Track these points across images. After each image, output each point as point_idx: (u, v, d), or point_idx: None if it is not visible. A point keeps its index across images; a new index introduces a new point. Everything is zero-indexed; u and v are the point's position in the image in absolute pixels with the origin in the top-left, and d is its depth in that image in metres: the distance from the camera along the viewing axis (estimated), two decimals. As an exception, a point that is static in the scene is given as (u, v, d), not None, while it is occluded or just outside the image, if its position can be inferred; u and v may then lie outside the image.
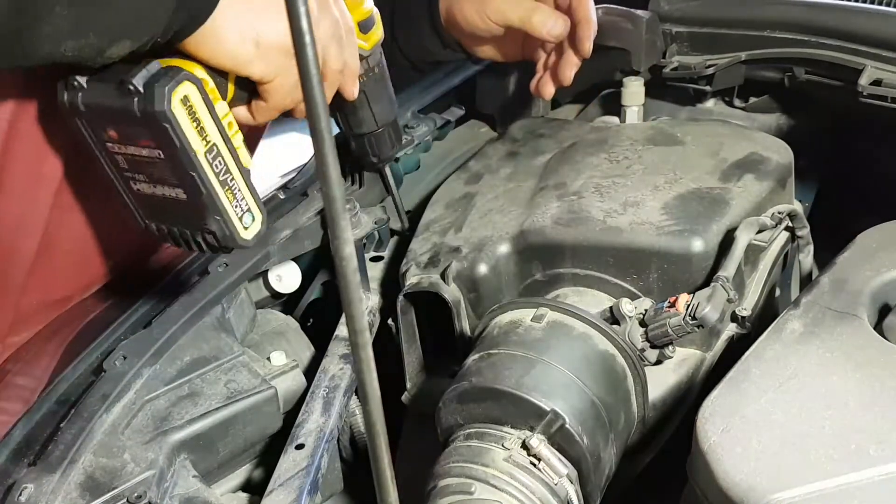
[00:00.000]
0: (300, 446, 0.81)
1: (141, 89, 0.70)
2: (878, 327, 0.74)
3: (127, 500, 0.72)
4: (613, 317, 0.85)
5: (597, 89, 1.31)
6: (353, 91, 0.89)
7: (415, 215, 1.09)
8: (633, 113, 1.16)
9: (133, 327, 0.88)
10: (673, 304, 0.82)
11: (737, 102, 1.25)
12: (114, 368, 0.82)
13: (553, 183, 1.00)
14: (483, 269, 0.92)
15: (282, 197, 1.04)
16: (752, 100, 1.24)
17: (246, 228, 0.78)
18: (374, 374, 0.45)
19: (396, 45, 1.26)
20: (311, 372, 0.92)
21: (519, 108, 1.29)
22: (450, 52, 1.24)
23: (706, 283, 0.85)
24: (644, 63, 1.18)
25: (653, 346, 0.84)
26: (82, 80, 0.73)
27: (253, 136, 0.99)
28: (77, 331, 0.92)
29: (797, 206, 1.00)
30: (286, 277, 1.02)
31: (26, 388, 0.87)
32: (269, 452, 0.86)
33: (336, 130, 1.15)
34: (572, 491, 0.73)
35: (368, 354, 0.44)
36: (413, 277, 0.94)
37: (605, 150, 1.05)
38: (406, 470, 0.89)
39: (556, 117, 1.30)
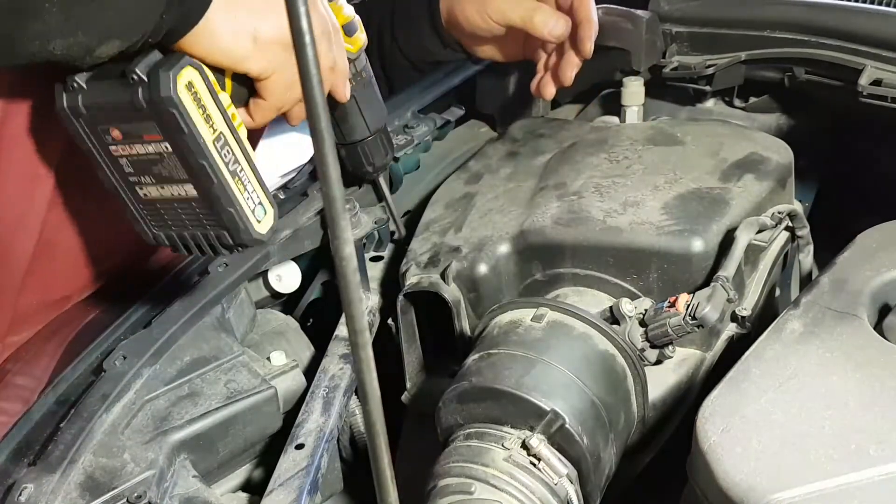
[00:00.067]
0: (300, 446, 0.81)
1: (144, 78, 0.68)
2: (878, 327, 0.74)
3: (127, 500, 0.72)
4: (613, 317, 0.85)
5: (597, 89, 1.31)
6: (344, 92, 0.89)
7: (415, 215, 1.09)
8: (633, 113, 1.16)
9: (133, 327, 0.88)
10: (673, 304, 0.82)
11: (737, 102, 1.25)
12: (114, 368, 0.82)
13: (553, 183, 1.00)
14: (483, 268, 0.92)
15: (282, 197, 1.03)
16: (752, 100, 1.24)
17: (259, 221, 0.75)
18: (374, 374, 0.45)
19: (396, 45, 1.26)
20: (311, 372, 0.92)
21: (519, 108, 1.29)
22: (450, 52, 1.24)
23: (706, 283, 0.85)
24: (644, 63, 1.18)
25: (653, 346, 0.84)
26: (81, 80, 0.71)
27: (252, 138, 0.99)
28: (77, 331, 0.92)
29: (797, 206, 1.00)
30: (286, 277, 1.02)
31: (26, 388, 0.87)
32: (269, 452, 0.86)
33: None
34: (572, 491, 0.73)
35: (368, 354, 0.44)
36: (413, 277, 0.94)
37: (605, 150, 1.05)
38: (406, 470, 0.89)
39: (556, 117, 1.30)
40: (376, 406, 0.45)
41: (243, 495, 0.85)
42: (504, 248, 0.93)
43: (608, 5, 1.20)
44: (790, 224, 0.97)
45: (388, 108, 1.03)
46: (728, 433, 0.66)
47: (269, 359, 0.91)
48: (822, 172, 1.18)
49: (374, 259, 1.09)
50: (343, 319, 0.97)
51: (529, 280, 0.94)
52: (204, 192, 0.73)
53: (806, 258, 1.01)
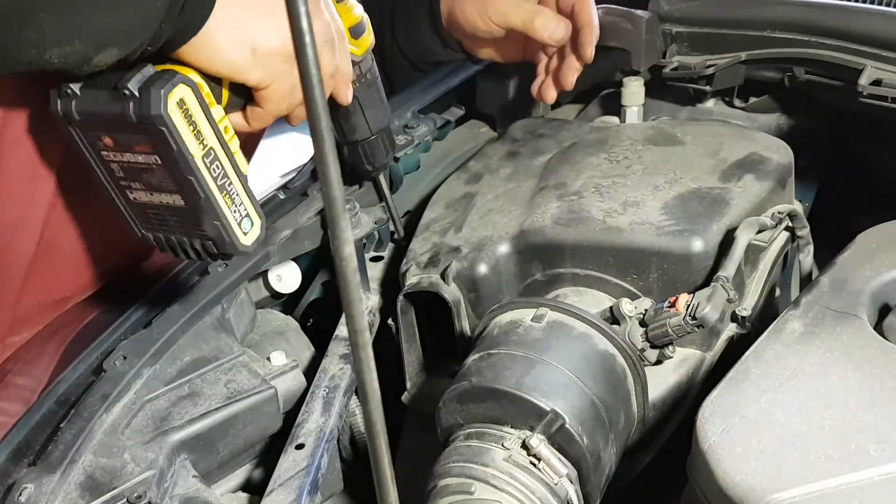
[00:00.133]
0: (300, 446, 0.81)
1: (136, 93, 0.69)
2: (878, 327, 0.74)
3: (127, 500, 0.72)
4: (613, 317, 0.85)
5: (597, 89, 1.31)
6: (346, 95, 0.89)
7: (415, 215, 1.09)
8: (633, 113, 1.16)
9: (133, 327, 0.88)
10: (673, 304, 0.82)
11: (737, 102, 1.25)
12: (114, 368, 0.82)
13: (553, 183, 1.00)
14: (483, 268, 0.92)
15: (282, 197, 1.03)
16: (752, 100, 1.24)
17: (245, 234, 0.77)
18: (374, 374, 0.45)
19: (397, 45, 1.26)
20: (311, 372, 0.92)
21: (519, 108, 1.29)
22: (450, 52, 1.25)
23: (706, 283, 0.85)
24: (644, 63, 1.18)
25: (653, 346, 0.84)
26: (75, 87, 0.72)
27: (252, 139, 0.99)
28: (77, 331, 0.92)
29: (797, 206, 1.00)
30: (286, 277, 1.02)
31: (26, 388, 0.87)
32: (269, 452, 0.86)
33: (333, 134, 1.15)
34: (572, 491, 0.73)
35: (368, 354, 0.44)
36: (413, 277, 0.94)
37: (605, 150, 1.05)
38: (406, 470, 0.89)
39: (556, 117, 1.30)
40: (376, 406, 0.45)
41: (243, 495, 0.85)
42: (504, 248, 0.93)
43: (608, 5, 1.20)
44: (790, 224, 0.97)
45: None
46: (728, 433, 0.66)
47: (269, 359, 0.91)
48: (822, 172, 1.18)
49: (374, 259, 1.09)
50: (343, 319, 0.97)
51: (529, 280, 0.94)
52: (191, 205, 0.74)
53: (806, 258, 1.01)
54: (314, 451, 0.81)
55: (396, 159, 1.13)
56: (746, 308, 0.89)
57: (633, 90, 1.16)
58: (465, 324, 0.93)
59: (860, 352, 0.71)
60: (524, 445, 0.73)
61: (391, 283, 1.04)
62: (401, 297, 0.94)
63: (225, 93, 0.77)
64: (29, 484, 0.72)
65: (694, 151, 1.02)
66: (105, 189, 0.78)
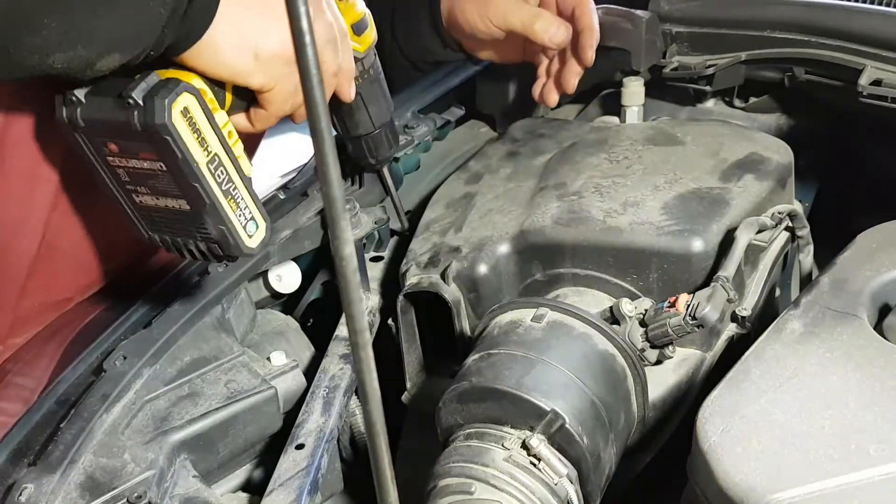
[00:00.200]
0: (300, 446, 0.81)
1: (140, 102, 0.70)
2: (878, 327, 0.74)
3: (127, 500, 0.72)
4: (613, 317, 0.85)
5: (597, 89, 1.31)
6: (349, 93, 0.89)
7: (415, 215, 1.09)
8: (633, 113, 1.16)
9: (133, 327, 0.88)
10: (673, 304, 0.82)
11: (737, 102, 1.25)
12: (114, 368, 0.82)
13: (553, 183, 1.00)
14: (483, 269, 0.92)
15: (282, 197, 1.03)
16: (752, 100, 1.24)
17: (250, 236, 0.78)
18: (374, 374, 0.45)
19: (397, 45, 1.26)
20: (311, 372, 0.92)
21: (519, 108, 1.29)
22: (450, 52, 1.25)
23: (706, 283, 0.85)
24: (644, 63, 1.18)
25: (653, 346, 0.84)
26: (80, 94, 0.72)
27: (253, 139, 0.99)
28: (77, 331, 0.92)
29: (797, 206, 1.00)
30: (286, 277, 1.02)
31: (26, 388, 0.87)
32: (269, 452, 0.86)
33: (335, 132, 1.16)
34: (572, 491, 0.73)
35: (368, 354, 0.44)
36: (413, 277, 0.94)
37: (605, 150, 1.05)
38: (406, 470, 0.89)
39: (556, 117, 1.30)
40: (376, 406, 0.45)
41: (243, 495, 0.85)
42: (504, 248, 0.93)
43: (608, 5, 1.20)
44: (790, 224, 0.97)
45: (388, 107, 1.03)
46: (728, 433, 0.66)
47: (269, 359, 0.91)
48: (822, 172, 1.18)
49: (374, 259, 1.09)
50: (343, 319, 0.97)
51: (529, 280, 0.94)
52: (196, 210, 0.75)
53: (806, 258, 1.01)
54: (314, 451, 0.81)
55: (396, 159, 1.13)
56: (746, 308, 0.89)
57: (633, 90, 1.16)
58: (465, 324, 0.93)
59: (860, 352, 0.71)
60: (524, 445, 0.73)
61: (391, 283, 1.04)
62: (401, 297, 0.94)
63: (228, 96, 0.78)
64: (29, 484, 0.72)
65: (694, 151, 1.02)
66: (111, 192, 0.78)
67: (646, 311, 0.84)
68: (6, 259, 0.88)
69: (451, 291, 0.92)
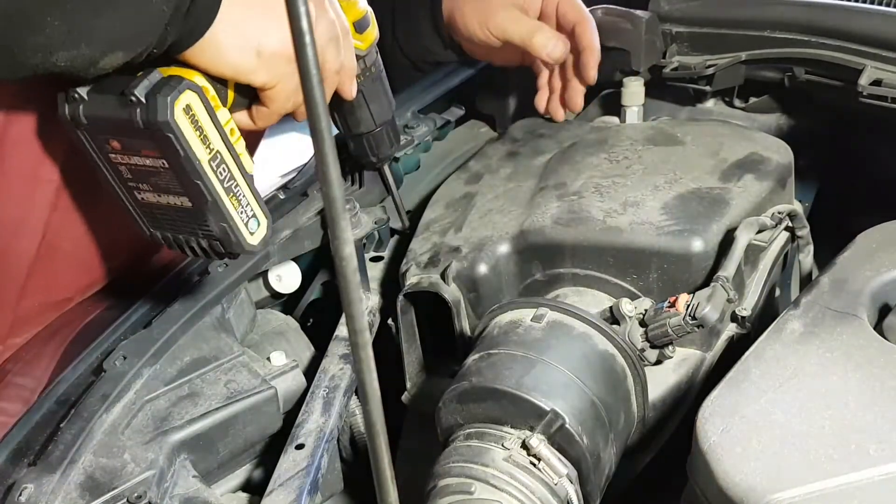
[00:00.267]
0: (300, 446, 0.81)
1: (143, 100, 0.70)
2: (878, 327, 0.74)
3: (127, 500, 0.72)
4: (613, 317, 0.85)
5: (597, 89, 1.31)
6: (351, 91, 0.89)
7: (415, 215, 1.09)
8: (633, 113, 1.16)
9: (133, 327, 0.88)
10: (673, 304, 0.82)
11: (737, 102, 1.25)
12: (114, 368, 0.82)
13: (553, 183, 1.00)
14: (483, 268, 0.92)
15: (282, 197, 1.04)
16: (752, 100, 1.24)
17: (252, 234, 0.78)
18: (374, 374, 0.45)
19: (397, 45, 1.26)
20: (311, 372, 0.92)
21: (519, 108, 1.30)
22: (450, 53, 1.25)
23: (706, 283, 0.85)
24: (644, 63, 1.18)
25: (653, 346, 0.84)
26: (83, 91, 0.72)
27: (253, 139, 0.99)
28: (77, 331, 0.92)
29: (797, 206, 1.00)
30: (286, 277, 1.02)
31: (26, 388, 0.87)
32: (269, 452, 0.86)
33: (335, 131, 1.15)
34: (572, 491, 0.73)
35: (368, 354, 0.44)
36: (413, 277, 0.94)
37: (605, 150, 1.05)
38: (406, 470, 0.89)
39: (555, 117, 1.30)
40: (376, 406, 0.45)
41: (243, 495, 0.85)
42: (504, 248, 0.93)
43: (608, 5, 1.20)
44: (790, 224, 0.97)
45: (388, 107, 1.03)
46: (728, 433, 0.66)
47: (269, 359, 0.91)
48: (822, 172, 1.18)
49: (374, 259, 1.09)
50: (343, 319, 0.97)
51: (529, 280, 0.94)
52: (198, 207, 0.75)
53: (806, 258, 1.01)
54: (314, 451, 0.81)
55: (396, 159, 1.13)
56: (746, 308, 0.89)
57: (633, 90, 1.16)
58: (465, 324, 0.93)
59: (860, 352, 0.71)
60: (524, 445, 0.73)
61: (391, 283, 1.04)
62: (401, 297, 0.94)
63: (230, 93, 0.78)
64: (29, 484, 0.72)
65: (694, 151, 1.02)
66: (113, 190, 0.78)
67: (646, 311, 0.84)
68: (6, 259, 0.88)
69: (451, 291, 0.92)
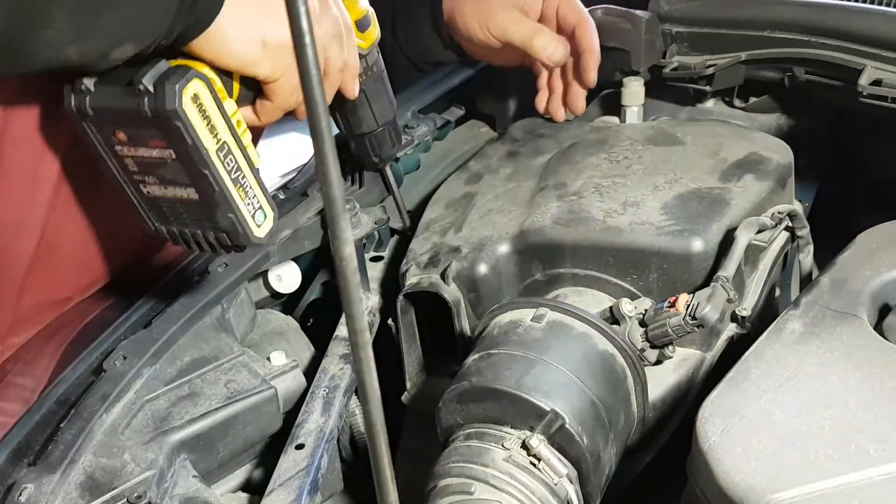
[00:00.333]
0: (300, 446, 0.81)
1: (151, 89, 0.70)
2: (878, 327, 0.74)
3: (127, 500, 0.72)
4: (613, 317, 0.85)
5: (597, 89, 1.31)
6: (353, 90, 0.90)
7: (415, 215, 1.09)
8: (633, 113, 1.16)
9: (133, 327, 0.88)
10: (673, 304, 0.82)
11: (737, 102, 1.25)
12: (114, 368, 0.82)
13: (553, 183, 1.00)
14: (483, 269, 0.92)
15: (282, 197, 1.04)
16: (752, 100, 1.24)
17: (259, 226, 0.77)
18: (374, 374, 0.45)
19: (397, 45, 1.26)
20: (311, 372, 0.92)
21: (519, 108, 1.30)
22: (450, 53, 1.25)
23: (706, 283, 0.85)
24: (644, 63, 1.18)
25: (653, 346, 0.84)
26: (89, 83, 0.72)
27: (253, 136, 0.99)
28: (77, 331, 0.92)
29: (797, 206, 1.00)
30: (286, 277, 1.02)
31: (26, 388, 0.87)
32: (269, 452, 0.86)
33: (336, 131, 1.15)
34: (572, 491, 0.73)
35: (368, 354, 0.44)
36: (413, 277, 0.94)
37: (605, 150, 1.05)
38: (406, 470, 0.89)
39: (555, 117, 1.30)
40: (376, 406, 0.45)
41: (243, 495, 0.85)
42: (504, 249, 0.93)
43: (608, 5, 1.20)
44: (790, 224, 0.97)
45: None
46: (728, 433, 0.66)
47: (269, 359, 0.91)
48: (822, 172, 1.18)
49: (374, 259, 1.09)
50: (343, 319, 0.97)
51: (529, 280, 0.94)
52: (205, 198, 0.74)
53: (806, 258, 1.01)
54: (314, 451, 0.81)
55: (396, 159, 1.13)
56: (746, 308, 0.89)
57: (633, 90, 1.16)
58: (465, 324, 0.93)
59: (860, 352, 0.71)
60: (524, 445, 0.73)
61: (391, 283, 1.04)
62: (401, 297, 0.94)
63: (236, 86, 0.77)
64: (29, 484, 0.72)
65: (694, 151, 1.02)
66: (118, 184, 0.78)
67: (646, 311, 0.84)
68: (5, 258, 0.88)
69: (451, 291, 0.92)
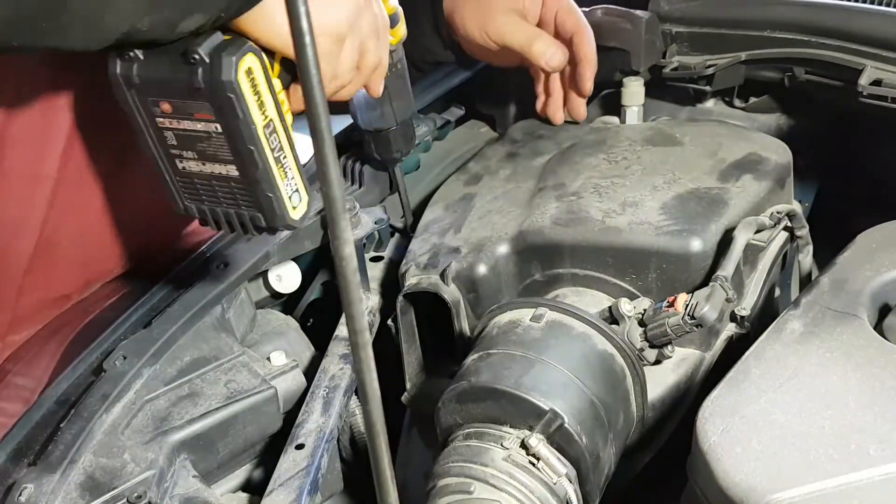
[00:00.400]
0: (300, 446, 0.81)
1: (206, 59, 0.68)
2: (878, 327, 0.74)
3: (127, 500, 0.72)
4: (612, 317, 0.85)
5: (597, 89, 1.31)
6: (378, 89, 0.89)
7: (414, 215, 1.09)
8: (633, 113, 1.16)
9: (133, 327, 0.88)
10: (672, 304, 0.82)
11: (737, 102, 1.25)
12: (114, 368, 0.82)
13: (552, 183, 1.00)
14: (482, 269, 0.92)
15: (282, 197, 1.03)
16: (752, 100, 1.24)
17: (294, 208, 0.76)
18: (374, 374, 0.45)
19: (397, 45, 1.26)
20: (311, 372, 0.92)
21: (519, 108, 1.30)
22: (450, 53, 1.24)
23: (705, 283, 0.85)
24: (644, 63, 1.18)
25: (652, 346, 0.84)
26: (139, 51, 0.70)
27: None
28: (77, 331, 0.92)
29: (796, 206, 1.00)
30: (286, 277, 1.02)
31: (26, 388, 0.87)
32: (269, 452, 0.86)
33: (339, 129, 1.16)
34: (571, 490, 0.73)
35: (368, 354, 0.44)
36: (413, 278, 0.95)
37: (604, 150, 1.05)
38: (406, 470, 0.89)
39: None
40: (376, 406, 0.45)
41: (243, 495, 0.85)
42: (503, 249, 0.93)
43: (608, 5, 1.20)
44: (789, 224, 0.97)
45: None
46: (728, 433, 0.66)
47: (269, 359, 0.91)
48: (822, 172, 1.18)
49: (374, 259, 1.09)
50: (343, 319, 0.97)
51: (528, 280, 0.94)
52: (246, 176, 0.73)
53: (805, 258, 1.01)
54: (314, 451, 0.81)
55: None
56: (745, 308, 0.89)
57: (633, 90, 1.16)
58: (464, 324, 0.93)
59: (860, 352, 0.71)
60: (523, 445, 0.73)
61: (391, 283, 1.05)
62: (400, 298, 0.94)
63: (276, 67, 0.76)
64: (29, 484, 0.72)
65: (692, 152, 1.02)
66: (153, 157, 0.76)
67: (644, 310, 0.85)
68: (5, 257, 0.88)
69: (451, 292, 0.92)
